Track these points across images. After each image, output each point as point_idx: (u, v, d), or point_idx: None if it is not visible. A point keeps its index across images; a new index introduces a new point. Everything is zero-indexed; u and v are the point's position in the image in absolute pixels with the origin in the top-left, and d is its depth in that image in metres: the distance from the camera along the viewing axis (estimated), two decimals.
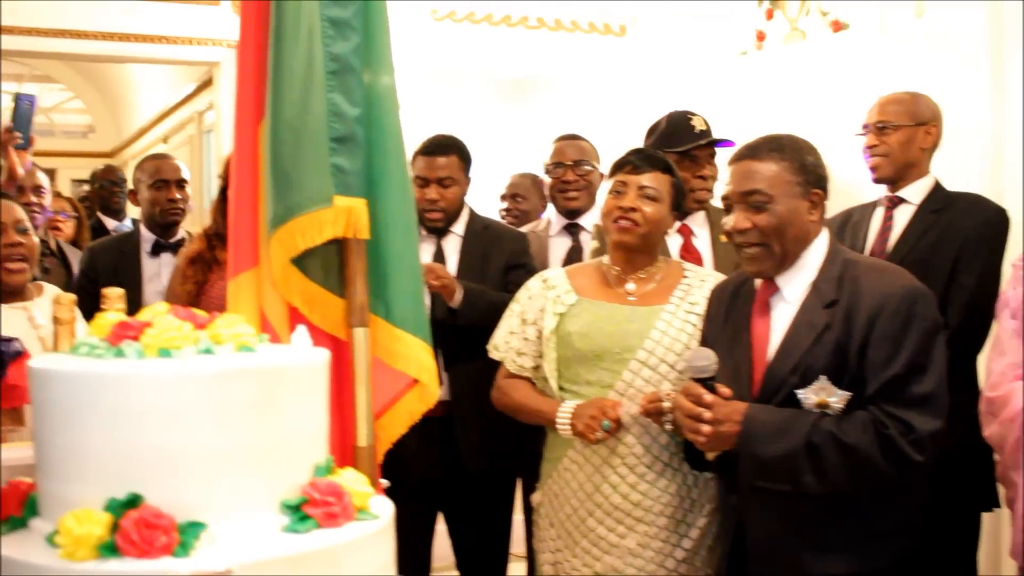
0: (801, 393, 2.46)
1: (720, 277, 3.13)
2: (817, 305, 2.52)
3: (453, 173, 3.78)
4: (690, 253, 3.60)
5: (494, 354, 3.19)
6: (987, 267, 3.40)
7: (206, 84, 7.71)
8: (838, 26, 5.64)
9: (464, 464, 3.72)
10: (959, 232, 3.45)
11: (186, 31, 6.32)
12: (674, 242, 3.64)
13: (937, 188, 3.61)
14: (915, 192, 3.58)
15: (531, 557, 4.17)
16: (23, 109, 4.16)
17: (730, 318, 2.67)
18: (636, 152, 3.13)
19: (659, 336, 2.95)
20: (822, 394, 2.44)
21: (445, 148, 3.79)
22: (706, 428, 2.48)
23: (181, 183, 4.50)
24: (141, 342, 1.57)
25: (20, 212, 3.33)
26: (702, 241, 3.69)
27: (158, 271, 4.28)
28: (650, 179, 3.02)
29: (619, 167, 3.08)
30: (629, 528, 2.94)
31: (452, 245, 3.82)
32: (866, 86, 4.88)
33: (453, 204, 3.79)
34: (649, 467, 2.94)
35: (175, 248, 4.34)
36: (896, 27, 5.25)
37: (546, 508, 3.11)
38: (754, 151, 2.59)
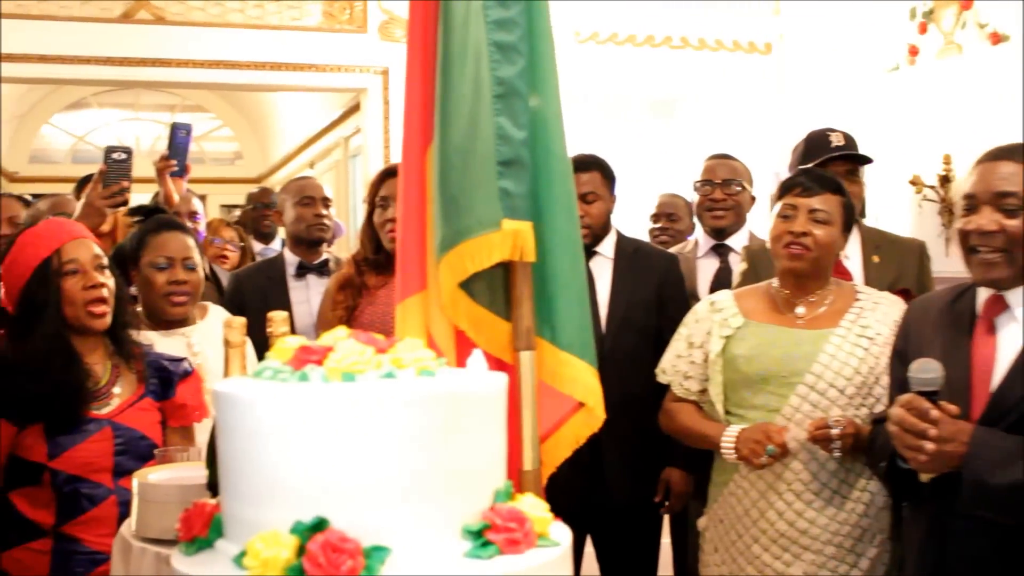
0: None
1: (895, 299, 3.05)
2: None
3: (596, 188, 3.77)
4: (841, 274, 3.52)
5: (662, 377, 3.17)
6: None
7: (352, 110, 7.86)
8: (997, 38, 5.48)
9: (609, 491, 3.69)
10: None
11: (333, 59, 6.47)
12: None
13: None
14: None
15: None
16: (179, 138, 4.28)
17: (940, 335, 2.50)
18: (806, 173, 3.06)
19: (828, 360, 2.88)
20: None
21: (586, 165, 3.78)
22: (930, 446, 2.26)
23: (326, 201, 4.57)
24: (325, 366, 1.58)
25: (189, 246, 3.42)
26: (853, 261, 3.60)
27: (307, 295, 4.33)
28: (821, 202, 2.94)
29: (788, 189, 3.01)
30: (795, 556, 2.88)
31: (602, 268, 3.80)
32: None
33: (598, 220, 3.77)
34: (816, 494, 2.87)
35: (319, 269, 4.40)
36: None
37: (711, 532, 3.06)
38: (1012, 153, 2.43)
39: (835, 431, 2.74)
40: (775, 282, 3.08)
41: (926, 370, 2.30)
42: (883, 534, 2.89)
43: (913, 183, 5.88)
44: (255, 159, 13.15)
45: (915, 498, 2.48)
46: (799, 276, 2.98)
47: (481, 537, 1.56)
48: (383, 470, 1.51)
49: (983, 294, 2.47)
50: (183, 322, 3.45)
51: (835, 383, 2.87)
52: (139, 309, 3.41)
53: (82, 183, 5.12)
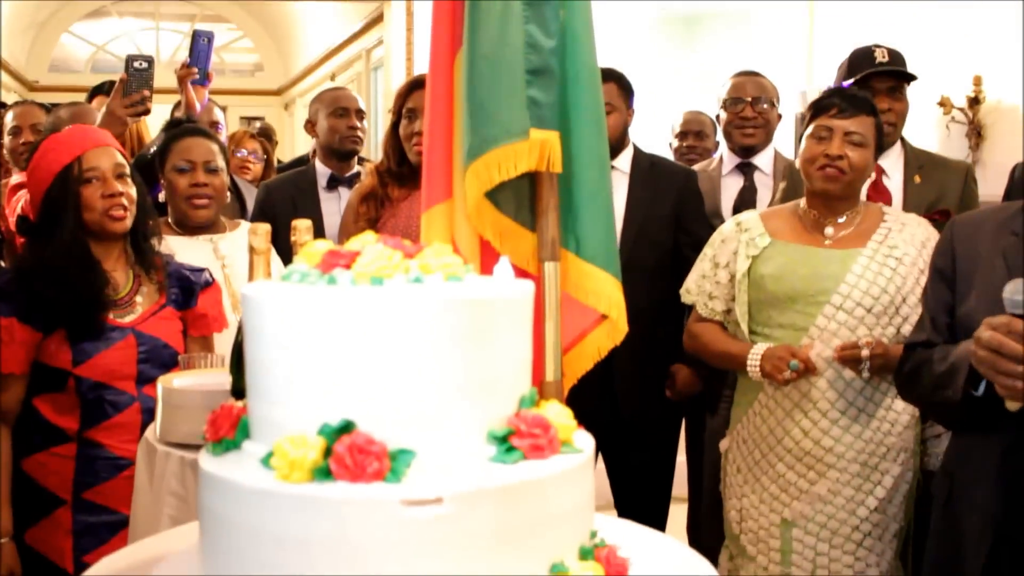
0: None
1: (922, 222, 3.03)
2: None
3: (612, 100, 3.73)
4: (879, 193, 3.49)
5: (686, 298, 3.17)
6: None
7: (375, 21, 7.78)
8: None
9: (621, 408, 3.70)
10: None
11: None
12: None
13: None
14: None
15: (693, 500, 4.15)
16: (201, 45, 4.24)
17: (998, 256, 2.34)
18: (839, 94, 3.02)
19: (855, 280, 2.88)
20: None
21: (603, 76, 3.74)
22: None
23: (360, 113, 4.55)
24: (353, 270, 1.58)
25: (212, 151, 3.42)
26: (894, 181, 3.57)
27: (338, 207, 4.30)
28: (856, 124, 2.92)
29: (822, 110, 2.97)
30: (820, 474, 2.90)
31: (618, 182, 3.76)
32: None
33: (614, 132, 3.73)
34: (843, 412, 2.88)
35: (351, 182, 4.38)
36: None
37: (734, 453, 3.08)
38: None
39: (864, 352, 2.74)
40: (802, 202, 3.06)
41: (1020, 291, 2.12)
42: (906, 452, 2.90)
43: (941, 104, 5.81)
44: (276, 71, 13.07)
45: (985, 428, 2.28)
46: (830, 198, 2.96)
47: (506, 442, 1.57)
48: (410, 374, 1.51)
49: None
50: (211, 228, 3.45)
51: (862, 302, 2.87)
52: (168, 219, 3.42)
53: (94, 91, 5.11)
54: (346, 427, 1.50)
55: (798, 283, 2.92)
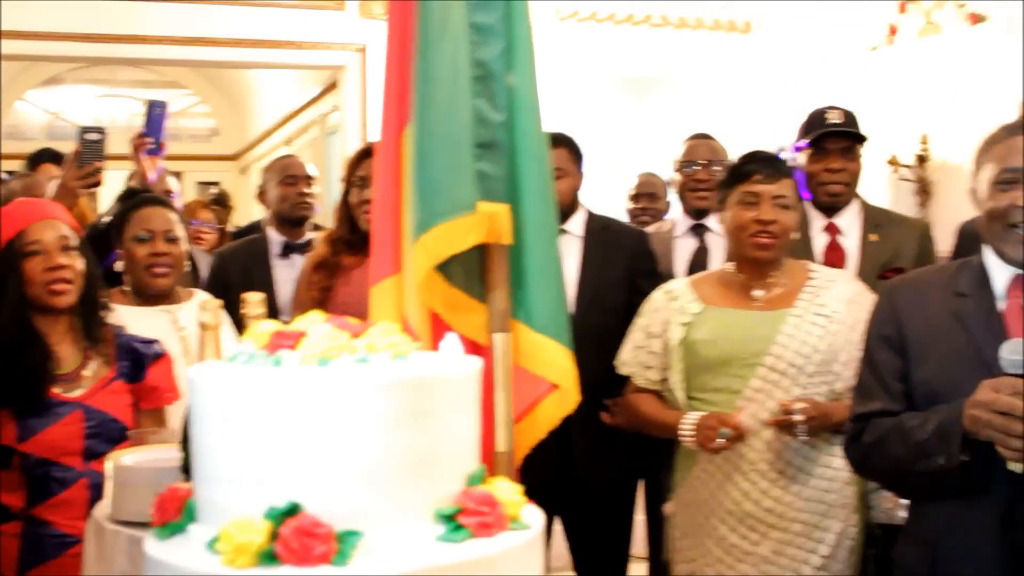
0: None
1: (850, 277, 3.08)
2: None
3: (563, 164, 3.75)
4: (835, 252, 3.53)
5: (622, 369, 3.18)
6: None
7: (330, 87, 7.81)
8: (976, 19, 5.49)
9: (579, 471, 3.69)
10: None
11: (311, 36, 6.44)
12: (819, 241, 3.58)
13: None
14: None
15: (653, 559, 4.14)
16: (155, 115, 4.25)
17: (957, 320, 2.32)
18: (761, 160, 3.05)
19: (786, 340, 2.91)
20: None
21: (553, 141, 3.76)
22: None
23: (309, 179, 4.58)
24: (299, 351, 1.58)
25: (171, 220, 3.42)
26: (851, 238, 3.62)
27: (291, 275, 4.30)
28: (781, 187, 2.97)
29: (744, 176, 3.00)
30: (762, 535, 2.91)
31: (571, 246, 3.78)
32: (1006, 80, 4.74)
33: (566, 197, 3.75)
34: (781, 472, 2.90)
35: (304, 249, 4.39)
36: None
37: (679, 518, 3.09)
38: None
39: (798, 417, 2.77)
40: (730, 267, 3.09)
41: (1019, 351, 2.09)
42: (847, 508, 2.92)
43: (891, 163, 5.91)
44: (232, 136, 13.07)
45: (976, 493, 2.23)
46: (762, 262, 2.99)
47: (453, 521, 1.57)
48: (356, 455, 1.51)
49: (1002, 273, 2.33)
50: (168, 299, 3.43)
51: (795, 362, 2.90)
52: (127, 289, 3.41)
53: (34, 159, 5.09)
54: (292, 510, 1.50)
55: (731, 347, 2.95)
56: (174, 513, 1.66)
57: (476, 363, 1.70)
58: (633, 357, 3.16)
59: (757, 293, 3.01)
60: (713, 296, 3.06)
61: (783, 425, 2.81)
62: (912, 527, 2.44)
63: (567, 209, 3.79)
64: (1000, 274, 2.33)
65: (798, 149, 3.97)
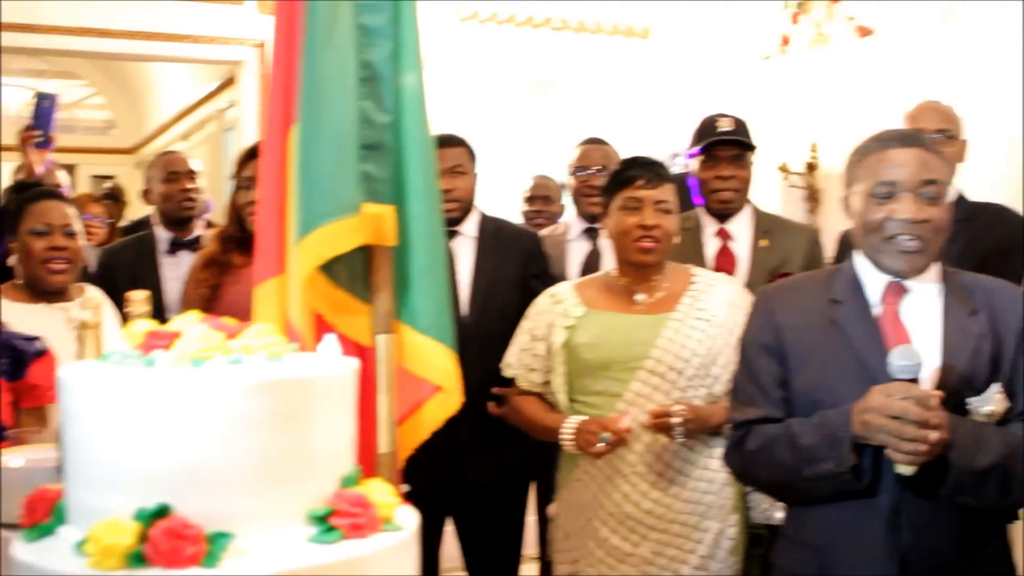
0: (975, 401, 2.25)
1: (731, 281, 3.14)
2: (962, 312, 2.35)
3: (463, 162, 3.78)
4: (726, 257, 3.59)
5: (508, 371, 3.21)
6: (1008, 278, 3.38)
7: (228, 83, 7.71)
8: (864, 31, 5.64)
9: (469, 473, 3.72)
10: (982, 243, 3.43)
11: (209, 30, 6.34)
12: (711, 246, 3.64)
13: (960, 198, 3.59)
14: None
15: (544, 559, 4.18)
16: (44, 108, 4.18)
17: (835, 328, 2.37)
18: (642, 165, 3.09)
19: (666, 344, 2.95)
20: (997, 404, 2.25)
21: (451, 141, 3.80)
22: (934, 435, 2.12)
23: (192, 174, 4.53)
24: (172, 352, 1.57)
25: (69, 214, 3.36)
26: (741, 244, 3.68)
27: (179, 272, 4.27)
28: (663, 192, 3.01)
29: (626, 182, 3.04)
30: (642, 536, 2.95)
31: (465, 247, 3.80)
32: (892, 92, 4.87)
33: (468, 194, 3.79)
34: (660, 475, 2.95)
35: (192, 246, 4.35)
36: (924, 32, 5.23)
37: (562, 519, 3.12)
38: (923, 141, 2.38)
39: (675, 420, 2.82)
40: (614, 271, 3.13)
41: (909, 356, 2.18)
42: (725, 509, 2.98)
43: (781, 170, 6.03)
44: (129, 129, 12.81)
45: (864, 496, 2.28)
46: (646, 266, 3.04)
47: (325, 522, 1.57)
48: (228, 457, 1.51)
49: (876, 280, 2.39)
50: (63, 295, 3.37)
51: (675, 366, 2.94)
52: (19, 283, 3.34)
53: None
54: (162, 511, 1.49)
55: (612, 351, 2.98)
56: (43, 515, 1.64)
57: (352, 364, 1.71)
58: (518, 359, 3.19)
59: (639, 297, 3.06)
60: (596, 300, 3.10)
61: (661, 428, 2.86)
62: (793, 532, 2.48)
63: (468, 208, 3.82)
64: (873, 281, 2.39)
65: (691, 156, 4.03)
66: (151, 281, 4.09)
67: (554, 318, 3.09)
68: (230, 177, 3.74)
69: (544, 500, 4.15)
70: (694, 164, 3.88)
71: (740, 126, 3.80)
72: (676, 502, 2.95)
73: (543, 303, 3.16)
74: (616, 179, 3.09)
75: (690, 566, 2.95)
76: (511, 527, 3.94)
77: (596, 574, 3.00)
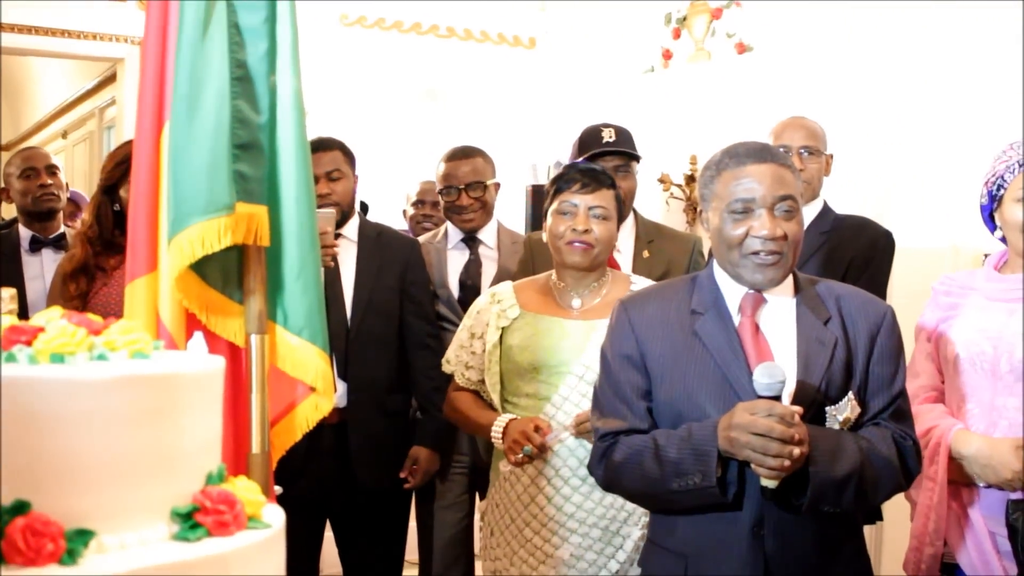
0: (831, 409, 2.34)
1: None
2: (817, 321, 2.42)
3: (340, 166, 3.79)
4: (610, 265, 3.65)
5: (446, 367, 3.25)
6: (870, 288, 3.50)
7: (108, 80, 7.59)
8: (743, 48, 5.78)
9: (355, 475, 3.72)
10: (845, 254, 3.54)
11: (89, 26, 6.23)
12: None
13: (826, 211, 3.71)
14: (806, 215, 3.65)
15: (424, 563, 4.19)
16: None
17: (696, 340, 2.43)
18: (580, 170, 3.11)
19: (596, 351, 2.98)
20: (851, 411, 2.33)
21: (327, 144, 3.80)
22: (797, 451, 2.19)
23: (51, 169, 4.46)
24: (33, 347, 1.55)
25: None
26: (624, 255, 3.73)
27: (40, 270, 4.22)
28: (599, 198, 3.04)
29: (564, 186, 3.07)
30: (563, 539, 2.97)
31: (347, 252, 3.80)
32: (769, 106, 5.00)
33: (345, 197, 3.80)
34: (583, 479, 2.96)
35: (56, 243, 4.29)
36: (799, 48, 5.38)
37: (489, 516, 3.15)
38: (776, 156, 2.44)
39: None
40: (554, 274, 3.17)
41: (773, 374, 2.23)
42: (647, 516, 3.01)
43: (661, 181, 6.14)
44: (4, 125, 12.47)
45: (730, 508, 2.36)
46: (578, 270, 3.08)
47: (190, 519, 1.57)
48: (89, 453, 1.50)
49: (734, 291, 2.45)
50: None
51: None
52: None
53: None
54: (20, 507, 1.47)
55: (542, 354, 3.02)
56: None
57: (218, 362, 1.70)
58: (456, 356, 3.22)
59: (575, 303, 3.09)
60: (532, 302, 3.13)
61: (584, 433, 2.89)
62: (660, 540, 2.53)
63: (347, 211, 3.82)
64: (732, 292, 2.46)
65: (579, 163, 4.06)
66: (14, 278, 4.02)
67: (491, 317, 3.12)
68: (100, 171, 3.67)
69: (424, 502, 4.17)
70: None
71: (624, 136, 3.85)
72: (598, 507, 2.97)
73: (483, 302, 3.20)
74: (556, 183, 3.12)
75: (609, 571, 2.97)
76: (394, 532, 3.95)
77: (517, 573, 3.02)
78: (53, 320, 1.62)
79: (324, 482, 3.70)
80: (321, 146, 3.74)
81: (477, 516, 4.11)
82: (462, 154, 4.23)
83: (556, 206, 3.07)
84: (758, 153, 2.43)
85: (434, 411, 3.79)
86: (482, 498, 4.05)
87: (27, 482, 1.48)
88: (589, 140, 3.83)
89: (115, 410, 1.51)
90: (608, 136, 3.81)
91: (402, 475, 3.84)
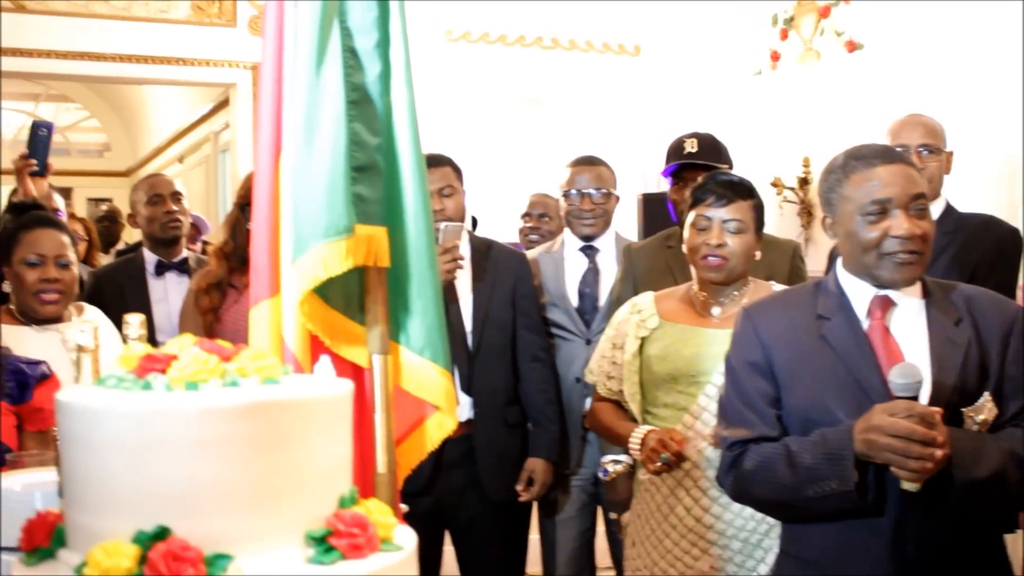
0: (969, 410, 2.29)
1: None
2: (948, 322, 2.38)
3: (451, 182, 3.82)
4: None
5: (588, 377, 3.30)
6: (1000, 288, 3.40)
7: (222, 104, 7.76)
8: (853, 46, 5.68)
9: (483, 489, 3.75)
10: (972, 255, 3.45)
11: (203, 53, 6.40)
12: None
13: (949, 210, 3.61)
14: None
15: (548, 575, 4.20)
16: (40, 136, 4.21)
17: (825, 344, 2.39)
18: (717, 183, 3.09)
19: None
20: (988, 412, 2.28)
21: (437, 161, 3.83)
22: (940, 452, 2.15)
23: (176, 196, 4.56)
24: (168, 375, 1.59)
25: (63, 243, 3.37)
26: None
27: (165, 293, 4.33)
28: (733, 211, 3.01)
29: (700, 199, 3.05)
30: (703, 551, 2.94)
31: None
32: (882, 105, 4.90)
33: (458, 213, 3.83)
34: (722, 491, 2.93)
35: (180, 267, 4.40)
36: (911, 45, 5.26)
37: (632, 527, 3.15)
38: (902, 156, 2.42)
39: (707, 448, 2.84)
40: (695, 285, 3.15)
41: (910, 374, 2.19)
42: None
43: (774, 184, 6.06)
44: (124, 152, 12.86)
45: (868, 514, 2.30)
46: (716, 283, 3.06)
47: (324, 543, 1.58)
48: (225, 479, 1.52)
49: (862, 295, 2.42)
50: (58, 318, 3.38)
51: None
52: (11, 307, 3.35)
53: None
54: (161, 533, 1.50)
55: (680, 364, 3.01)
56: (43, 538, 1.65)
57: (347, 385, 1.72)
58: (598, 367, 3.24)
59: (716, 311, 3.08)
60: (673, 311, 3.12)
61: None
62: (793, 550, 2.49)
63: None
64: (858, 296, 2.42)
65: (665, 176, 4.05)
66: (140, 303, 4.12)
67: (631, 328, 3.13)
68: (237, 194, 3.76)
69: (548, 516, 4.18)
70: (666, 184, 3.91)
71: (707, 145, 3.80)
72: (738, 518, 2.94)
73: (624, 312, 3.21)
74: (693, 196, 3.11)
75: None
76: (515, 544, 3.97)
77: None
78: (186, 347, 1.65)
79: (450, 494, 3.74)
80: (432, 163, 3.76)
81: (600, 529, 4.12)
82: (587, 161, 4.29)
83: (692, 219, 3.07)
84: (886, 154, 2.40)
85: (547, 423, 3.86)
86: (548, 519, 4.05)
87: (166, 508, 1.51)
88: (672, 153, 3.83)
89: (248, 436, 1.53)
90: (690, 147, 3.79)
91: (518, 487, 3.84)
